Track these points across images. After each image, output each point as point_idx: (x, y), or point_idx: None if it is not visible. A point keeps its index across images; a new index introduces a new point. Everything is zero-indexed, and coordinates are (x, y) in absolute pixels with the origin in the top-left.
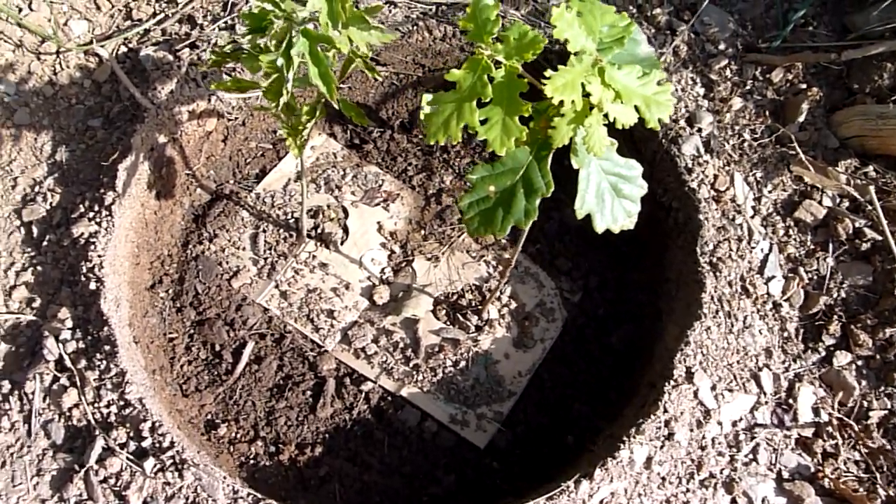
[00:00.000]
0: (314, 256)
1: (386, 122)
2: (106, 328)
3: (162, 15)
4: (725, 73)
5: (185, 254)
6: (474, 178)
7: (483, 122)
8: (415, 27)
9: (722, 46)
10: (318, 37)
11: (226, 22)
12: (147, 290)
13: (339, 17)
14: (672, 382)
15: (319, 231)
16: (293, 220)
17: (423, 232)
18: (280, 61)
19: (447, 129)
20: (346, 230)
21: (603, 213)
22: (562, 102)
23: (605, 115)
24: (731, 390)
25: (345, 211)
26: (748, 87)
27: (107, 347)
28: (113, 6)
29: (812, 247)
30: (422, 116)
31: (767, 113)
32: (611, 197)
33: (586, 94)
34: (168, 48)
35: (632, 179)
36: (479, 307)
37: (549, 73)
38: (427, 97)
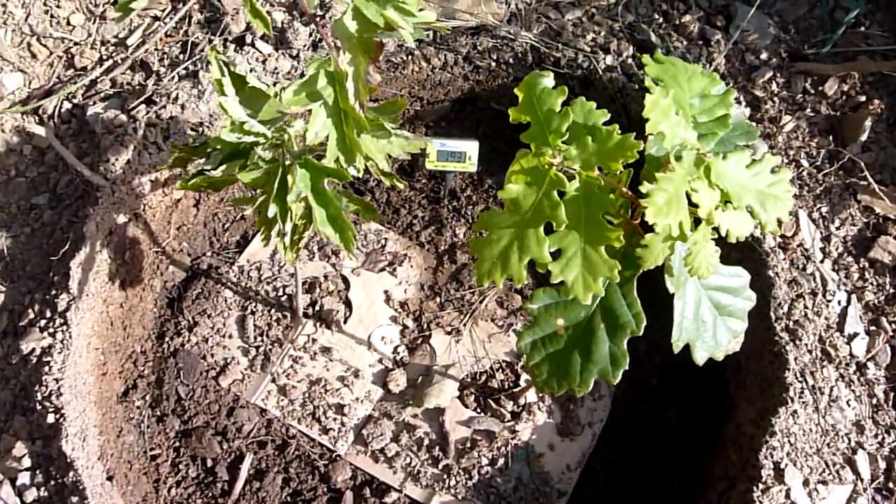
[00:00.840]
0: (314, 340)
1: None
2: (71, 472)
3: (110, 62)
4: (771, 87)
5: (161, 349)
6: (535, 307)
7: (555, 255)
8: (409, 56)
9: (764, 56)
10: (325, 169)
11: (186, 69)
12: (119, 401)
13: (354, 147)
14: (761, 485)
15: (318, 308)
16: (286, 296)
17: (438, 299)
18: (272, 209)
19: (506, 267)
20: (348, 305)
21: (703, 338)
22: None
23: (715, 228)
24: (824, 482)
25: (345, 281)
26: (799, 103)
27: (74, 499)
28: (51, 53)
29: (892, 291)
30: (427, 165)
31: (824, 132)
32: (712, 316)
33: (692, 204)
34: (120, 105)
35: (738, 291)
36: (514, 389)
37: (645, 187)
38: (481, 220)
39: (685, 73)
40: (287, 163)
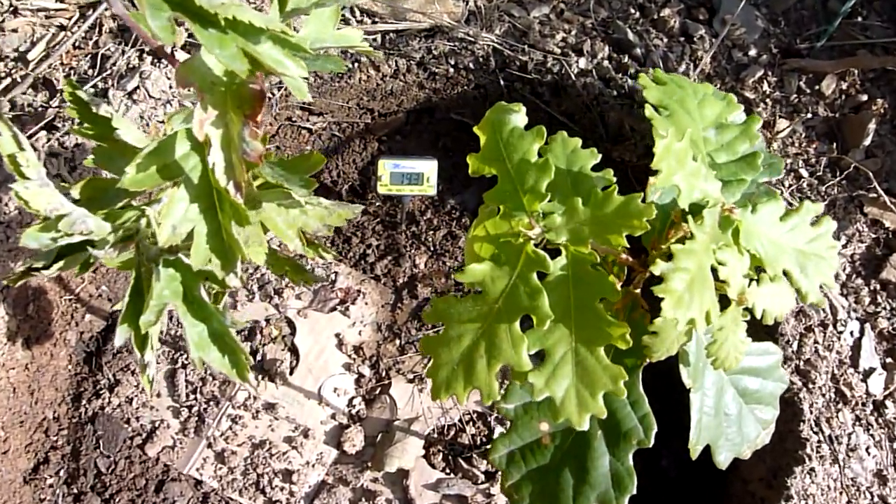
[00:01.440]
0: (256, 396)
1: (331, 188)
2: None
3: (8, 80)
4: (763, 87)
5: (77, 413)
6: (510, 407)
7: (538, 359)
8: (356, 64)
9: (753, 52)
10: (203, 273)
11: (95, 86)
12: (26, 481)
13: (233, 246)
14: None
15: (259, 358)
16: None
17: (397, 341)
18: (121, 334)
19: (470, 376)
20: (295, 352)
21: (727, 435)
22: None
23: (747, 309)
24: None
25: (290, 324)
26: (794, 104)
27: None
28: None
29: None
30: (379, 188)
31: (823, 136)
32: (737, 407)
33: (718, 279)
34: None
35: (767, 372)
36: (487, 445)
37: (658, 267)
38: (435, 309)
39: (694, 97)
40: (146, 260)
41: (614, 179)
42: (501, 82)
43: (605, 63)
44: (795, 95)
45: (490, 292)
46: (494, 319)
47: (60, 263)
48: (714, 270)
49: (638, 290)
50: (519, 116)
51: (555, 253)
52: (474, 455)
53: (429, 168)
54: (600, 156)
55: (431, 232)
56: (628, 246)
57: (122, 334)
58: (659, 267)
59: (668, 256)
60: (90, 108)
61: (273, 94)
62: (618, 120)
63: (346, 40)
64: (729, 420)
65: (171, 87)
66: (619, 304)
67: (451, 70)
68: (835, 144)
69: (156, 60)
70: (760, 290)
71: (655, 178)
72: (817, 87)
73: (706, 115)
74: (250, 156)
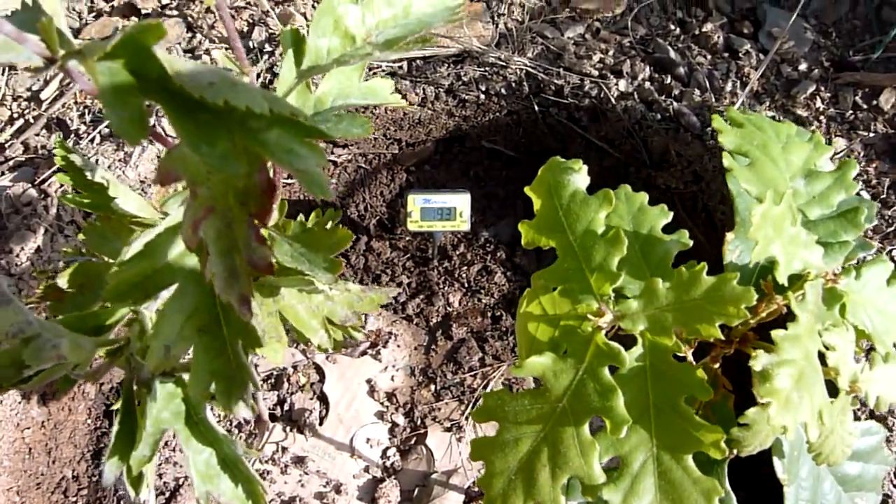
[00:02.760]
0: (284, 449)
1: (358, 223)
2: None
3: (21, 121)
4: (816, 103)
5: (97, 472)
6: None
7: (611, 470)
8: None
9: (804, 66)
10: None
11: (109, 126)
12: None
13: (241, 372)
14: None
15: (287, 408)
16: None
17: (433, 387)
18: (110, 469)
19: (531, 488)
20: (324, 401)
21: None
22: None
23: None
24: None
25: (319, 371)
26: (850, 121)
27: None
28: None
29: None
30: (409, 225)
31: (883, 154)
32: (836, 496)
33: (824, 365)
34: (31, 177)
35: (869, 455)
36: None
37: (759, 361)
38: (486, 407)
39: (777, 140)
40: (137, 382)
41: (691, 243)
42: (536, 108)
43: (647, 84)
44: (851, 112)
45: (553, 389)
46: (558, 421)
47: (37, 378)
48: (821, 356)
49: (717, 366)
50: (580, 177)
51: (628, 340)
52: None
53: (461, 202)
54: (671, 213)
55: (465, 267)
56: (722, 338)
57: (110, 472)
58: (760, 361)
59: (760, 332)
60: (83, 174)
61: None
62: (662, 145)
63: (375, 95)
64: None
65: None
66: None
67: (482, 96)
68: (894, 163)
69: None
70: (873, 373)
71: (733, 233)
72: (875, 102)
73: (792, 162)
74: (257, 265)
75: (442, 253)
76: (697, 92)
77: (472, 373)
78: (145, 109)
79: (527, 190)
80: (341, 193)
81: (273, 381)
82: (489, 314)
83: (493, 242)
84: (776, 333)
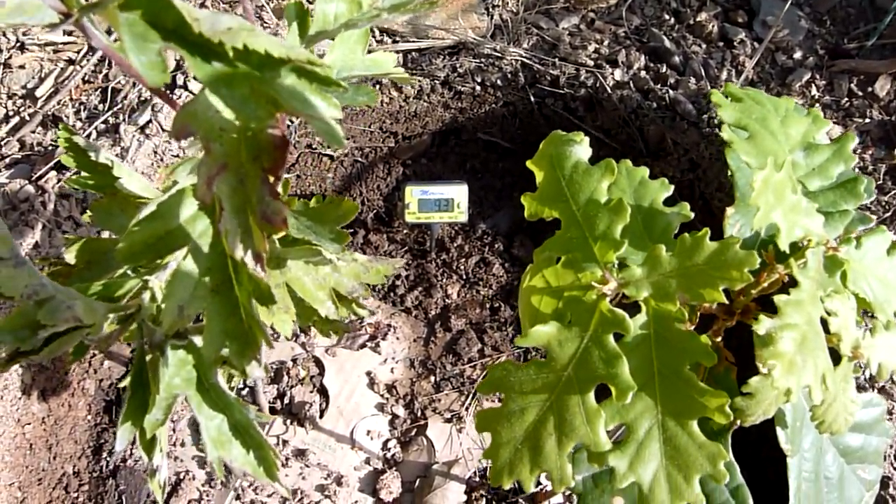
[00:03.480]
0: (285, 442)
1: (356, 217)
2: None
3: (17, 118)
4: (811, 91)
5: (98, 467)
6: (577, 480)
7: (617, 440)
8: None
9: (798, 55)
10: (220, 358)
11: (106, 122)
12: None
13: (255, 331)
14: None
15: (287, 402)
16: (246, 389)
17: (432, 378)
18: (123, 434)
19: (537, 458)
20: (324, 394)
21: (829, 501)
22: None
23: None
24: None
25: (318, 364)
26: (846, 109)
27: None
28: None
29: None
30: (407, 217)
31: (879, 142)
32: (838, 468)
33: (827, 332)
34: (28, 173)
35: (870, 426)
36: (535, 489)
37: (762, 325)
38: (491, 379)
39: (776, 114)
40: (150, 347)
41: (692, 215)
42: (532, 98)
43: (643, 74)
44: (847, 99)
45: (558, 358)
46: (564, 390)
47: (51, 346)
48: (823, 323)
49: (719, 339)
50: (581, 148)
51: (632, 308)
52: (520, 500)
53: (459, 193)
54: (671, 187)
55: (463, 259)
56: (726, 301)
57: (123, 436)
58: (763, 325)
59: (763, 302)
60: (88, 156)
61: (292, 121)
62: (658, 134)
63: (379, 67)
64: (830, 484)
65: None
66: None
67: (478, 88)
68: (890, 149)
69: (167, 90)
70: (875, 341)
71: (734, 207)
72: (870, 89)
73: (791, 135)
74: (271, 220)
75: (439, 245)
76: (693, 80)
77: (472, 364)
78: (165, 55)
79: (529, 164)
80: (338, 188)
81: (273, 374)
82: (488, 305)
83: (490, 234)
84: (779, 298)
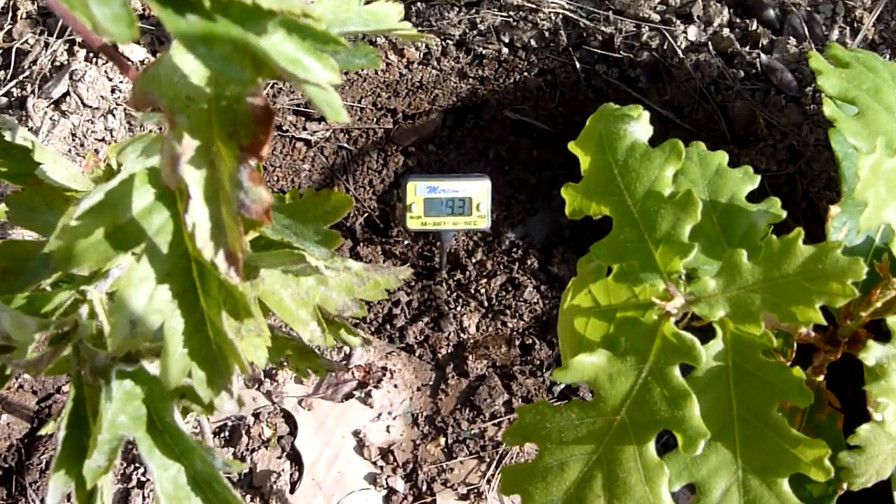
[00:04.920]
0: None
1: (340, 223)
2: None
3: None
4: None
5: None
6: None
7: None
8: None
9: None
10: (180, 388)
11: (10, 94)
12: None
13: (226, 350)
14: None
15: (246, 471)
16: None
17: (443, 440)
18: (56, 483)
19: None
20: (296, 460)
21: None
22: None
23: None
24: None
25: (289, 419)
26: None
27: None
28: None
29: None
30: (409, 222)
31: None
32: None
33: None
34: None
35: None
36: None
37: (870, 353)
38: (521, 425)
39: (893, 82)
40: (91, 373)
41: (784, 213)
42: (577, 65)
43: (726, 32)
44: None
45: (607, 397)
46: (615, 439)
47: None
48: None
49: (822, 378)
50: (639, 126)
51: (704, 332)
52: None
53: (478, 190)
54: (758, 178)
55: (484, 280)
56: (825, 324)
57: (57, 487)
58: (872, 353)
59: (877, 329)
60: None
61: None
62: (747, 112)
63: (379, 21)
64: None
65: (114, 92)
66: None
67: (505, 50)
68: None
69: (91, 55)
70: None
71: (839, 206)
72: None
73: None
74: (251, 210)
75: (453, 261)
76: (793, 41)
77: (496, 421)
78: (130, 4)
79: (572, 146)
80: (316, 183)
81: (228, 433)
82: (517, 342)
83: (521, 246)
84: (893, 320)
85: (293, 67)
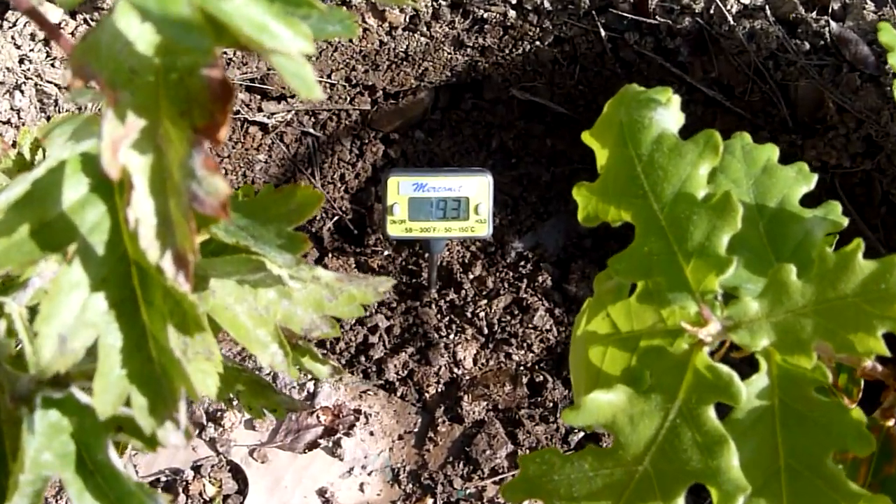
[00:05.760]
0: None
1: (304, 227)
2: None
3: None
4: None
5: None
6: None
7: None
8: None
9: None
10: (117, 419)
11: None
12: None
13: (171, 371)
14: None
15: None
16: None
17: (431, 501)
18: None
19: None
20: None
21: None
22: None
23: None
24: None
25: (238, 474)
26: None
27: None
28: None
29: None
30: (389, 228)
31: None
32: None
33: None
34: None
35: None
36: None
37: None
38: (522, 480)
39: None
40: (12, 400)
41: (846, 221)
42: (602, 32)
43: None
44: None
45: (628, 444)
46: (637, 494)
47: None
48: None
49: (892, 422)
50: (668, 113)
51: (745, 366)
52: None
53: (477, 188)
54: (814, 177)
55: (484, 301)
56: (889, 354)
57: None
58: None
59: None
60: None
61: None
62: (813, 94)
63: None
64: None
65: (22, 63)
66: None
67: (513, 13)
68: None
69: None
70: None
71: None
72: None
73: None
74: (205, 204)
75: (444, 277)
76: (871, 5)
77: (497, 478)
78: None
79: (585, 136)
80: (274, 177)
81: (161, 490)
82: (524, 380)
83: (530, 259)
84: None
85: (259, 34)
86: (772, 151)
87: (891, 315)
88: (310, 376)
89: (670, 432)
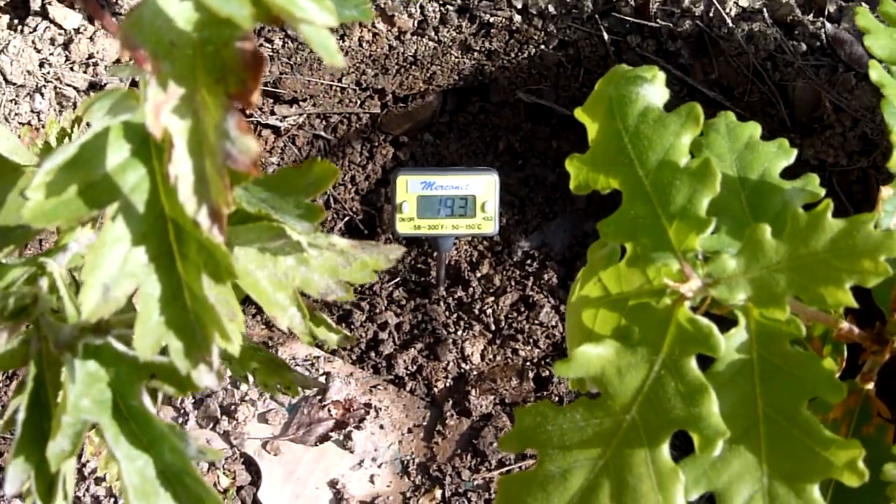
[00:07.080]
0: None
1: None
2: None
3: None
4: None
5: None
6: None
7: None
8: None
9: None
10: (150, 366)
11: None
12: None
13: (205, 317)
14: None
15: None
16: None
17: (439, 493)
18: (16, 471)
19: None
20: None
21: None
22: None
23: None
24: None
25: (251, 466)
26: None
27: None
28: None
29: None
30: (399, 225)
31: None
32: None
33: None
34: None
35: None
36: None
37: None
38: (519, 431)
39: None
40: (56, 347)
41: (822, 191)
42: (605, 35)
43: None
44: None
45: (616, 394)
46: (625, 442)
47: None
48: None
49: (871, 385)
50: (653, 88)
51: (726, 322)
52: None
53: (484, 186)
54: (795, 150)
55: (491, 298)
56: (856, 306)
57: (16, 474)
58: None
59: None
60: None
61: None
62: (811, 95)
63: None
64: None
65: (43, 66)
66: (839, 410)
67: (518, 18)
68: None
69: (17, 21)
70: None
71: (892, 187)
72: None
73: None
74: (238, 161)
75: (453, 274)
76: (865, 7)
77: (504, 469)
78: None
79: (577, 113)
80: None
81: None
82: (531, 374)
83: (536, 257)
84: None
85: (290, 6)
86: (754, 129)
87: (858, 269)
88: (322, 371)
89: (655, 383)
